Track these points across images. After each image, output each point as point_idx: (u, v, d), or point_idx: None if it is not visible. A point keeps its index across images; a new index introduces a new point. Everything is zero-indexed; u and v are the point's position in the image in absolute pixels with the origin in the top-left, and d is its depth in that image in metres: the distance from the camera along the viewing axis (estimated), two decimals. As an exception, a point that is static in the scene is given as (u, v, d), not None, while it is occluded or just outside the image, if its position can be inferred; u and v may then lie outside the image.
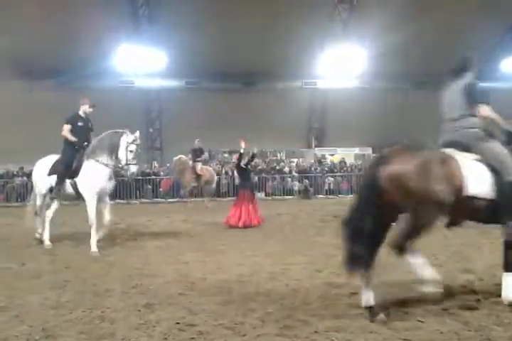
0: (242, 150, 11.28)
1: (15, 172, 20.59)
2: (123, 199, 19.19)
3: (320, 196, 21.00)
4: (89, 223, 7.77)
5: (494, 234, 8.67)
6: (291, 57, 23.09)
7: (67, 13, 20.14)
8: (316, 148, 27.17)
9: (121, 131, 8.04)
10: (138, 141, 7.98)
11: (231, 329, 3.97)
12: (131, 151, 7.88)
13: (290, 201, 19.50)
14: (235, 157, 11.81)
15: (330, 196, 21.06)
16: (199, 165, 16.09)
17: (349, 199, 19.50)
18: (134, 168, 8.02)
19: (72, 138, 8.20)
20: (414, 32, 21.30)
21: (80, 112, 8.38)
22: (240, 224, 10.50)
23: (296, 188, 21.51)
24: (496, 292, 4.89)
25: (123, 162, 7.89)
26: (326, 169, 23.06)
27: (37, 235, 8.55)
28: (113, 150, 7.89)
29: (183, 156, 16.52)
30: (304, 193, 20.94)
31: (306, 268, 6.15)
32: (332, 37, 23.90)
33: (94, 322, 4.19)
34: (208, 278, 5.69)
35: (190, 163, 16.10)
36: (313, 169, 22.83)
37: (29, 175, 20.32)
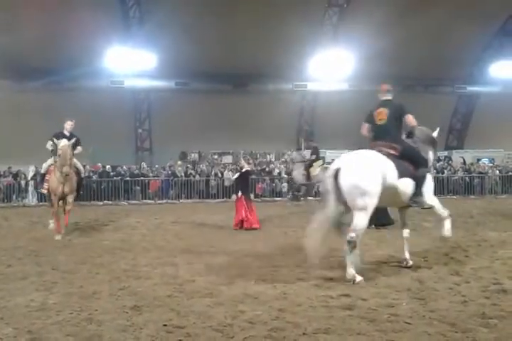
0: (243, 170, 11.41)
1: (1, 173, 20.31)
2: (111, 200, 19.07)
3: (309, 198, 21.01)
4: (445, 235, 6.28)
5: (481, 237, 8.78)
6: (281, 60, 23.14)
7: (58, 13, 20.03)
8: (306, 150, 27.20)
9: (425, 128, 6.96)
10: None
11: (219, 331, 3.96)
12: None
13: (279, 203, 19.49)
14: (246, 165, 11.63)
15: (320, 198, 21.04)
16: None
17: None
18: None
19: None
20: (404, 36, 21.50)
21: None
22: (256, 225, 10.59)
23: (285, 190, 21.50)
24: (483, 294, 4.94)
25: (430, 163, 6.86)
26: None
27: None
28: (433, 145, 6.90)
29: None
30: (293, 197, 20.92)
31: (294, 270, 6.15)
32: (322, 40, 24.03)
33: (82, 324, 4.15)
34: (197, 280, 5.67)
35: None
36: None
37: (16, 175, 20.18)
